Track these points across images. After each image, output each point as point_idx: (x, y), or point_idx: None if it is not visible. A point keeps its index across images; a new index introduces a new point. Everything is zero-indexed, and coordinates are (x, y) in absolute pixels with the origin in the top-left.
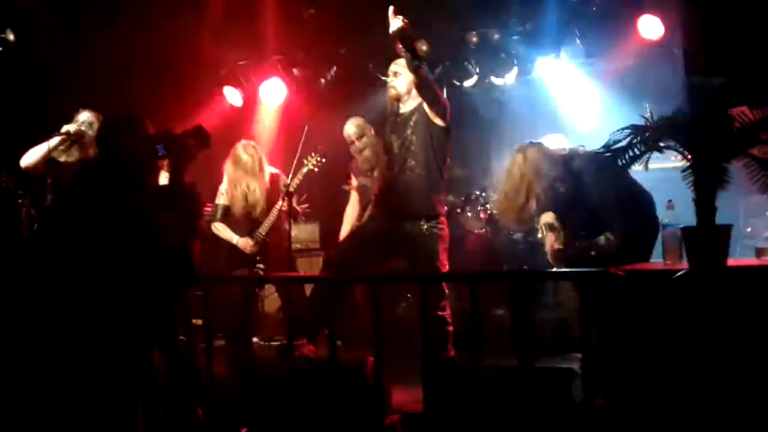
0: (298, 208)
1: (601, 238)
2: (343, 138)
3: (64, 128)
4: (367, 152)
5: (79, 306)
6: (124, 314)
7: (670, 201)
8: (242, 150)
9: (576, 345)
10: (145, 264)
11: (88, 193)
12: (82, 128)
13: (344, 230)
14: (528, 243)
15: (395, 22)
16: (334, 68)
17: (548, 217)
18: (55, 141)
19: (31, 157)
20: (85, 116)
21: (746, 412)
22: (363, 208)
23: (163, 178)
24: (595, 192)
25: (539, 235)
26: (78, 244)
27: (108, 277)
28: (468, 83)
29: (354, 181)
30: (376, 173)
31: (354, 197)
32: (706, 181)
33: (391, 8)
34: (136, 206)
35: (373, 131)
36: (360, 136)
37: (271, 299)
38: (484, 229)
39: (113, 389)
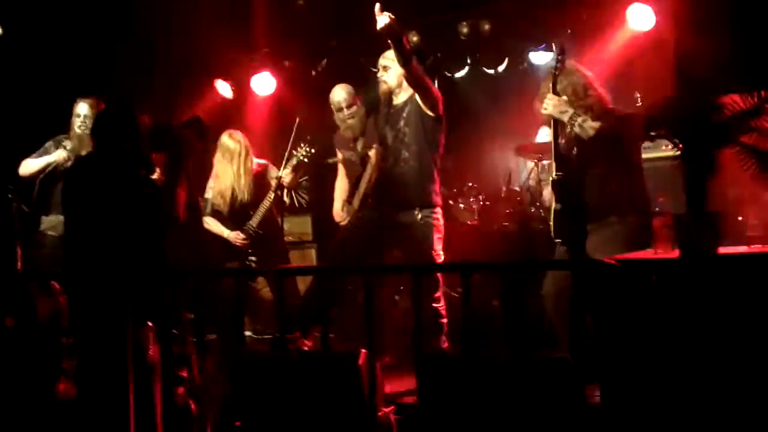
0: (301, 180)
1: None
2: (334, 125)
3: (59, 153)
4: (352, 121)
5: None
6: (108, 306)
7: (661, 190)
8: (228, 138)
9: (557, 336)
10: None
11: (83, 190)
12: (74, 152)
13: (336, 204)
14: (520, 234)
15: (382, 19)
16: (325, 60)
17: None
18: (55, 157)
19: (30, 168)
20: (83, 109)
21: (740, 401)
22: (352, 185)
23: (156, 173)
24: None
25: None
26: (72, 238)
27: (95, 268)
28: (459, 74)
29: (339, 155)
30: (359, 146)
31: (342, 171)
32: (697, 170)
33: (377, 5)
34: (130, 201)
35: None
36: (350, 105)
37: (263, 292)
38: (476, 221)
39: (102, 381)
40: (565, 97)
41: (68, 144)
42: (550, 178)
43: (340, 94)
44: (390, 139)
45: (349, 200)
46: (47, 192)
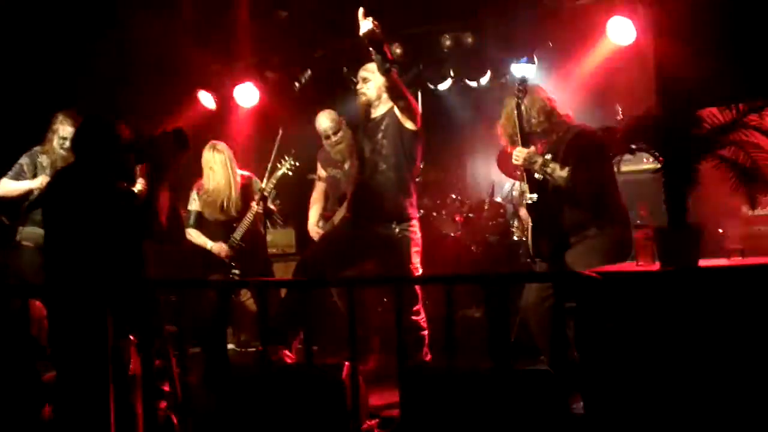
0: (273, 207)
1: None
2: (318, 138)
3: (41, 180)
4: (341, 146)
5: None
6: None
7: (642, 202)
8: (212, 150)
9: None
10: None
11: (63, 202)
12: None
13: (311, 221)
14: (503, 246)
15: (365, 24)
16: (309, 71)
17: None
18: (37, 184)
19: (9, 191)
20: (66, 132)
21: (721, 411)
22: (336, 201)
23: (139, 184)
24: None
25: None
26: (52, 250)
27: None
28: (442, 86)
29: (321, 172)
30: (347, 166)
31: (320, 187)
32: (677, 183)
33: (360, 10)
34: (110, 213)
35: (345, 124)
36: (336, 131)
37: (247, 304)
38: (459, 233)
39: (82, 395)
40: (533, 148)
41: (44, 160)
42: (525, 202)
43: (325, 122)
44: (367, 151)
45: (327, 216)
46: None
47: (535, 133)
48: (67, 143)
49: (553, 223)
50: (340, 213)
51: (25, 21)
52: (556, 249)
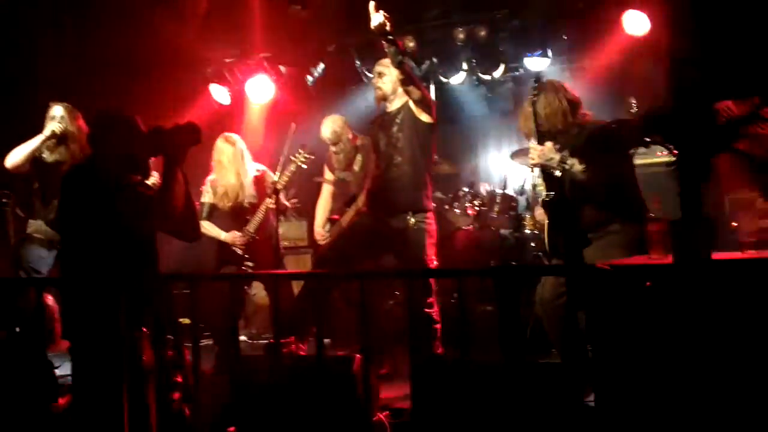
0: (287, 204)
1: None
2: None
3: (49, 128)
4: (340, 156)
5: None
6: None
7: (656, 195)
8: (224, 142)
9: (549, 342)
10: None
11: (80, 194)
12: (64, 125)
13: (317, 223)
14: (515, 239)
15: (376, 17)
16: (322, 65)
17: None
18: (39, 139)
19: (16, 157)
20: (58, 111)
21: (734, 405)
22: (344, 203)
23: (153, 177)
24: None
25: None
26: (71, 244)
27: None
28: (455, 80)
29: (329, 175)
30: (356, 168)
31: (327, 190)
32: (691, 176)
33: (372, 3)
34: (124, 206)
35: (350, 133)
36: (335, 142)
37: (258, 297)
38: (471, 226)
39: (97, 387)
40: (548, 145)
41: (56, 126)
42: (541, 199)
43: (325, 131)
44: (383, 145)
45: (334, 219)
46: (34, 197)
47: (549, 131)
48: (56, 121)
49: (572, 220)
50: (348, 215)
51: (35, 14)
52: (574, 247)
